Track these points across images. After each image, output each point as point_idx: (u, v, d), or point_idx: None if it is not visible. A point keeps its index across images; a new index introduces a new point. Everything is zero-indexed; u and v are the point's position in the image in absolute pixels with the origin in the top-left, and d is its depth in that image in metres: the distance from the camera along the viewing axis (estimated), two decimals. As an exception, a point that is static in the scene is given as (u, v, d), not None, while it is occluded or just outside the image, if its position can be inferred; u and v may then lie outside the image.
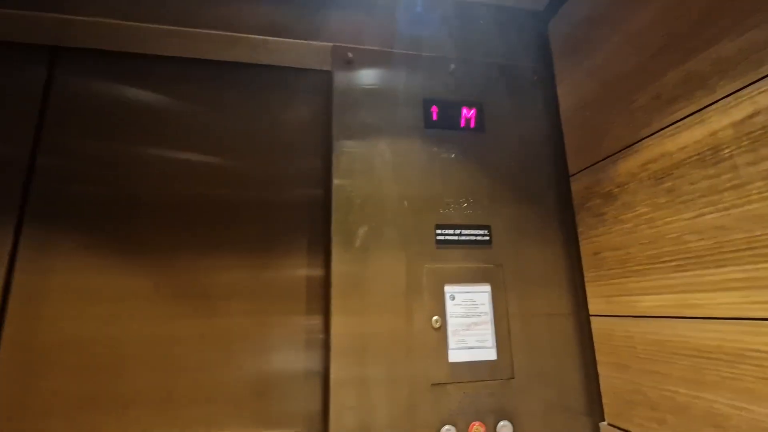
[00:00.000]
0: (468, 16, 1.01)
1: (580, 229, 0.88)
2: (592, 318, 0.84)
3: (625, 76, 0.76)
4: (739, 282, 0.55)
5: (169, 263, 0.80)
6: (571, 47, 0.92)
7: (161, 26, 0.87)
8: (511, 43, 1.03)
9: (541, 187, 0.93)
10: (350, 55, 0.91)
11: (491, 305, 0.84)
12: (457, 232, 0.86)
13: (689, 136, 0.62)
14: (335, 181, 0.84)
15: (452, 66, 0.96)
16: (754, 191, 0.53)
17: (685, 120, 0.63)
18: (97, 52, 0.85)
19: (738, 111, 0.55)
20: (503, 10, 1.04)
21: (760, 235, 0.52)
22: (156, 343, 0.77)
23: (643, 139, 0.71)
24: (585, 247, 0.86)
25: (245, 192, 0.86)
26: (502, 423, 0.78)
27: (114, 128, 0.84)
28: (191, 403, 0.76)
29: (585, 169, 0.86)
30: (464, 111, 0.93)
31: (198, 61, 0.88)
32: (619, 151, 0.76)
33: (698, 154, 0.61)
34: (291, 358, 0.81)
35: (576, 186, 0.89)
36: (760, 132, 0.53)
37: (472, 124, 0.93)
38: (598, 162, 0.82)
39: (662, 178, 0.67)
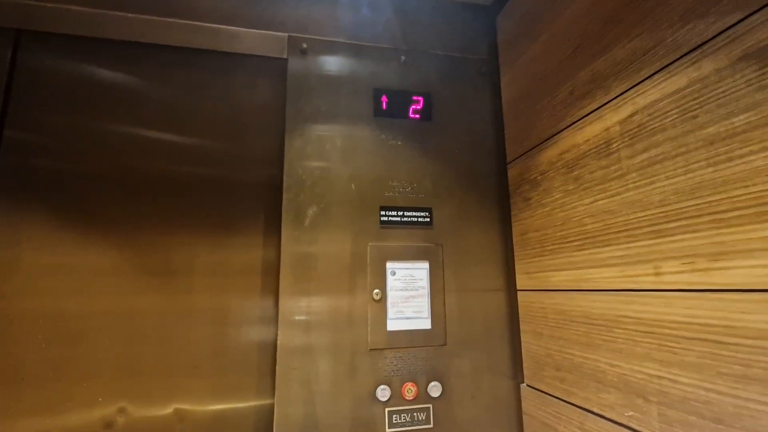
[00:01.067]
0: (421, 10, 1.06)
1: (512, 212, 0.96)
2: (518, 292, 0.93)
3: (550, 71, 0.83)
4: (618, 259, 0.64)
5: (132, 239, 0.87)
6: (512, 42, 0.99)
7: (125, 14, 0.91)
8: (462, 36, 1.08)
9: (482, 173, 1.01)
10: (305, 45, 0.97)
11: (428, 280, 0.92)
12: (400, 213, 0.94)
13: (591, 131, 0.70)
14: (287, 163, 0.91)
15: (403, 57, 1.02)
16: (630, 181, 0.61)
17: (590, 115, 0.71)
18: (62, 35, 0.89)
19: (624, 110, 0.63)
20: (454, 5, 1.09)
21: (633, 219, 0.61)
22: (119, 317, 0.84)
23: (561, 131, 0.79)
24: (515, 228, 0.94)
25: (206, 170, 0.93)
26: (432, 383, 0.87)
27: (79, 106, 0.88)
28: (153, 375, 0.83)
29: (519, 157, 0.94)
30: (413, 100, 1.00)
31: (162, 46, 0.93)
32: (543, 141, 0.84)
33: (596, 146, 0.69)
34: (247, 332, 0.89)
35: (511, 172, 0.97)
36: (636, 129, 0.60)
37: (420, 114, 1.00)
38: (528, 150, 0.90)
39: (572, 167, 0.75)
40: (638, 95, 0.60)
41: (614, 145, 0.65)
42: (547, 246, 0.82)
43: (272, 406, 0.82)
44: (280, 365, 0.82)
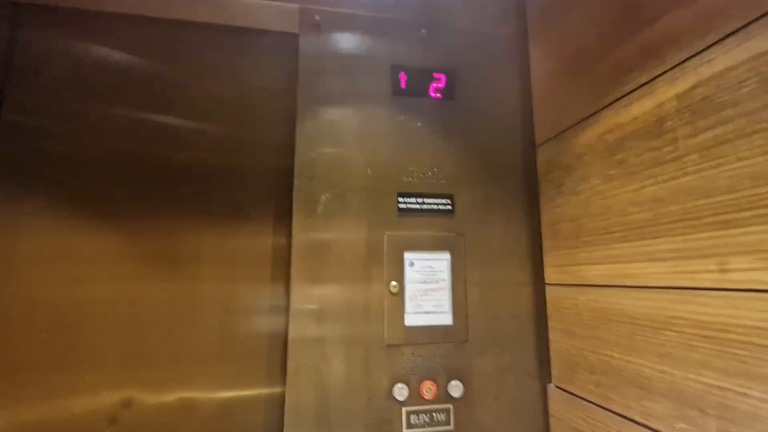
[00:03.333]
0: (443, -21, 0.98)
1: (541, 201, 0.88)
2: (547, 287, 0.86)
3: (589, 44, 0.74)
4: (671, 252, 0.56)
5: (136, 226, 0.82)
6: (544, 14, 0.90)
7: (125, -16, 0.85)
8: (489, 8, 1.00)
9: (508, 157, 0.93)
10: (317, 17, 0.89)
11: (450, 272, 0.86)
12: (420, 200, 0.87)
13: (639, 108, 0.62)
14: (299, 146, 0.84)
15: (423, 31, 0.94)
16: (689, 164, 0.54)
17: (638, 90, 0.63)
18: (60, 9, 0.84)
19: (682, 82, 0.55)
20: (480, -27, 1.00)
21: (691, 207, 0.53)
22: (124, 305, 0.80)
23: (602, 109, 0.71)
24: (545, 218, 0.87)
25: (214, 156, 0.87)
26: (453, 382, 0.82)
27: (81, 87, 0.84)
28: (159, 363, 0.80)
29: (550, 139, 0.86)
30: (434, 78, 0.92)
31: (163, 20, 0.87)
32: (580, 122, 0.76)
33: (645, 125, 0.61)
34: (256, 321, 0.84)
35: (541, 156, 0.89)
36: (699, 104, 0.52)
37: (442, 92, 0.92)
38: (561, 132, 0.82)
39: (614, 150, 0.67)
40: (703, 64, 0.52)
41: (668, 124, 0.57)
42: (583, 237, 0.75)
43: (282, 395, 0.78)
44: (291, 359, 0.78)
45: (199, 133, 0.87)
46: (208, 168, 0.87)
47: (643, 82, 0.62)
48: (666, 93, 0.58)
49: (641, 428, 0.60)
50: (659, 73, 0.59)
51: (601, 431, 0.68)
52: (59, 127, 0.82)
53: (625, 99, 0.65)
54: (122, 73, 0.86)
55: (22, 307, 0.76)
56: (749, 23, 0.47)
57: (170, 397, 0.80)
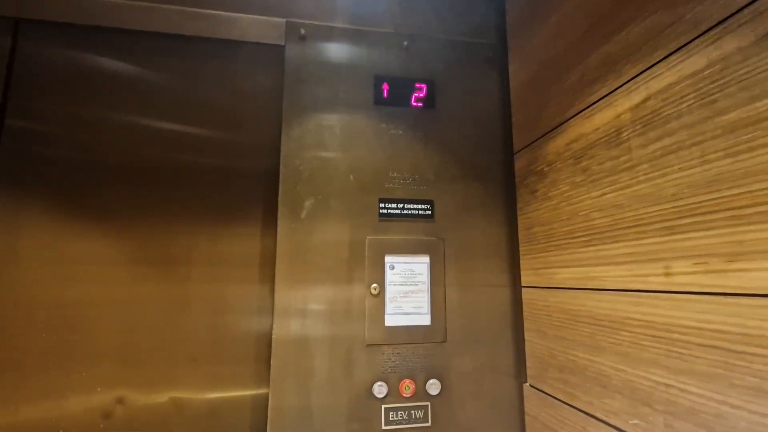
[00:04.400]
0: (425, -8, 1.01)
1: (518, 205, 0.91)
2: (523, 289, 0.89)
3: (560, 55, 0.77)
4: (627, 256, 0.59)
5: (131, 228, 0.86)
6: (521, 25, 0.93)
7: (123, 1, 0.90)
8: (469, 19, 1.03)
9: (488, 163, 0.97)
10: (303, 30, 0.93)
11: (429, 275, 0.89)
12: (401, 206, 0.91)
13: (601, 118, 0.65)
14: (284, 153, 0.88)
15: (405, 43, 0.97)
16: (641, 172, 0.57)
17: (599, 102, 0.66)
18: (59, 24, 0.88)
19: (636, 95, 0.58)
20: (462, -15, 1.04)
21: (643, 214, 0.56)
22: (118, 306, 0.83)
23: (569, 119, 0.74)
24: (521, 222, 0.90)
25: (205, 159, 0.91)
26: (431, 381, 0.85)
27: (78, 95, 0.88)
28: (152, 363, 0.83)
29: (526, 147, 0.89)
30: (415, 88, 0.96)
31: (155, 34, 0.91)
32: (551, 131, 0.79)
33: (606, 135, 0.64)
34: (244, 321, 0.88)
35: (518, 163, 0.92)
36: (649, 116, 0.55)
37: (423, 102, 0.96)
38: (536, 140, 0.85)
39: (580, 157, 0.70)
40: (652, 78, 0.55)
41: (625, 134, 0.60)
42: (553, 241, 0.78)
43: (266, 396, 0.81)
44: (275, 357, 0.81)
45: (191, 138, 0.91)
46: (200, 171, 0.90)
47: (604, 94, 0.65)
48: (623, 105, 0.61)
49: (602, 425, 0.63)
50: (617, 86, 0.62)
51: (569, 429, 0.71)
52: (59, 132, 0.86)
53: (588, 110, 0.68)
54: (117, 81, 0.90)
55: (19, 307, 0.80)
56: (690, 41, 0.50)
57: (161, 396, 0.83)
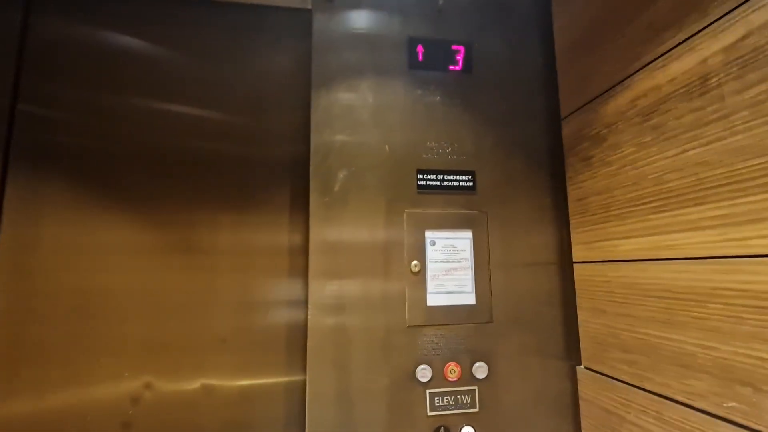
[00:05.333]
0: (460, -53, 0.94)
1: (568, 175, 0.84)
2: (575, 265, 0.82)
3: (617, 6, 0.70)
4: (716, 219, 0.52)
5: (154, 217, 0.81)
6: (568, -22, 0.85)
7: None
8: (507, -24, 0.95)
9: (531, 131, 0.90)
10: (330, -9, 0.86)
11: (472, 251, 0.83)
12: (440, 177, 0.84)
13: (679, 67, 0.58)
14: (314, 123, 0.82)
15: (440, 1, 0.90)
16: (738, 121, 0.49)
17: (676, 49, 0.58)
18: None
19: (729, 34, 0.51)
20: (499, -61, 0.95)
21: (740, 169, 0.49)
22: (143, 294, 0.79)
23: (634, 73, 0.66)
24: (571, 194, 0.83)
25: (230, 146, 0.86)
26: (477, 364, 0.79)
27: (94, 77, 0.83)
28: (178, 351, 0.79)
29: (576, 110, 0.82)
30: (452, 51, 0.89)
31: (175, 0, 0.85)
32: (609, 89, 0.72)
33: (686, 85, 0.57)
34: (274, 307, 0.83)
35: (566, 130, 0.85)
36: (750, 55, 0.48)
37: (460, 65, 0.89)
38: (589, 102, 0.78)
39: (649, 114, 0.63)
40: (753, 11, 0.48)
41: (714, 80, 0.53)
42: (613, 210, 0.71)
43: (303, 382, 0.76)
44: (311, 340, 0.76)
45: (215, 124, 0.86)
46: (225, 158, 0.86)
47: (682, 39, 0.57)
48: (710, 47, 0.53)
49: (683, 408, 0.57)
50: (701, 27, 0.54)
51: (637, 413, 0.65)
52: (75, 119, 0.81)
53: (660, 60, 0.61)
54: (134, 59, 0.84)
55: (44, 296, 0.76)
56: (810, -40, 0.42)
57: (189, 384, 0.79)
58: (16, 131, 0.79)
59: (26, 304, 0.76)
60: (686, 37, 0.56)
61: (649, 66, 0.63)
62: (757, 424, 0.47)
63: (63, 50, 0.83)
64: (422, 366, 0.77)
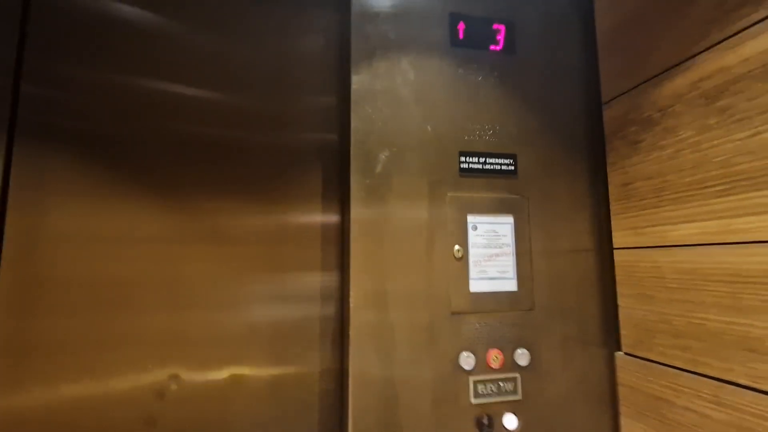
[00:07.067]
0: None
1: (610, 160, 0.83)
2: (615, 251, 0.81)
3: (680, -16, 0.68)
4: (796, 202, 0.51)
5: (173, 204, 0.76)
6: (615, -43, 0.83)
7: None
8: (546, -45, 0.92)
9: (571, 115, 0.88)
10: (370, -41, 0.81)
11: (513, 237, 0.81)
12: (482, 160, 0.82)
13: (754, 46, 0.56)
14: (354, 100, 0.78)
15: (482, -23, 0.86)
16: (828, 101, 0.48)
17: (752, 28, 0.57)
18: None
19: (821, 11, 0.49)
20: None
21: (829, 150, 0.48)
22: (163, 284, 0.74)
23: (697, 54, 0.65)
24: (614, 179, 0.82)
25: (254, 132, 0.82)
26: (519, 351, 0.78)
27: (104, 53, 0.75)
28: (202, 342, 0.75)
29: (622, 94, 0.80)
30: (493, 30, 0.85)
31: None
32: (665, 71, 0.70)
33: (763, 65, 0.55)
34: (307, 297, 0.80)
35: (609, 113, 0.84)
36: None
37: (501, 45, 0.86)
38: (639, 85, 0.76)
39: (715, 96, 0.62)
40: None
41: (797, 60, 0.52)
42: (666, 195, 0.70)
43: (338, 372, 0.73)
44: (353, 326, 0.72)
45: (237, 108, 0.81)
46: (250, 145, 0.81)
47: (759, 18, 0.56)
48: (794, 26, 0.52)
49: (746, 391, 0.57)
50: (784, 5, 0.53)
51: (690, 398, 0.65)
52: (84, 102, 0.74)
53: (732, 39, 0.59)
54: (147, 37, 0.77)
55: (57, 286, 0.70)
56: None
57: (218, 373, 0.75)
58: (21, 113, 0.71)
59: (37, 293, 0.69)
60: (765, 15, 0.55)
61: (718, 46, 0.62)
62: (843, 406, 0.47)
63: (70, 26, 0.75)
64: (466, 353, 0.75)
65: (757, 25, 0.56)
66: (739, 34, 0.58)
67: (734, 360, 0.58)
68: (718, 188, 0.61)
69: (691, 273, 0.65)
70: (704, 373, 0.63)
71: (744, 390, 0.57)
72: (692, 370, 0.65)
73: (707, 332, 0.62)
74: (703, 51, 0.64)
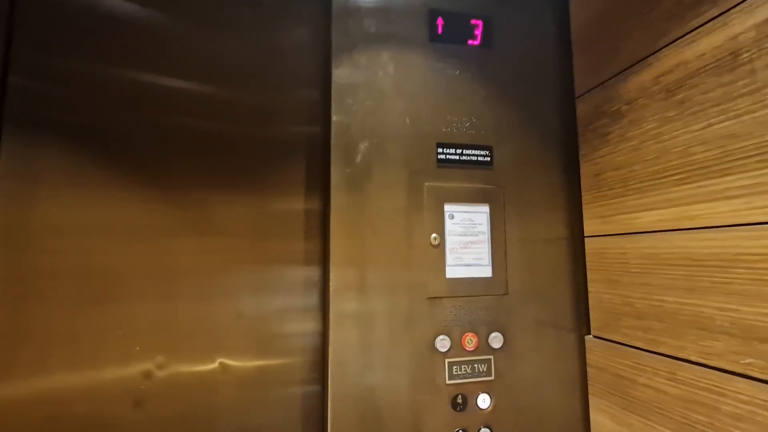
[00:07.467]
0: None
1: (582, 152, 0.86)
2: (586, 239, 0.85)
3: (646, -18, 0.71)
4: (743, 189, 0.55)
5: (160, 196, 0.78)
6: (589, -45, 0.86)
7: None
8: (525, -48, 0.95)
9: (546, 109, 0.91)
10: (351, -45, 0.84)
11: (489, 225, 0.84)
12: (459, 151, 0.85)
13: (709, 42, 0.60)
14: (335, 91, 0.80)
15: (461, -27, 0.89)
16: (770, 94, 0.52)
17: (707, 25, 0.60)
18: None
19: (763, 10, 0.52)
20: None
21: (770, 140, 0.52)
22: (152, 277, 0.76)
23: (660, 50, 0.68)
24: (586, 170, 0.85)
25: (239, 125, 0.83)
26: (493, 334, 0.81)
27: (91, 45, 0.77)
28: (191, 333, 0.77)
29: (594, 88, 0.83)
30: (471, 25, 0.88)
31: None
32: (632, 66, 0.74)
33: (716, 60, 0.59)
34: (289, 283, 0.82)
35: (582, 107, 0.87)
36: (786, 30, 0.50)
37: (479, 39, 0.88)
38: (608, 79, 0.79)
39: (675, 90, 0.65)
40: (792, -13, 0.50)
41: (745, 56, 0.55)
42: (632, 185, 0.74)
43: (320, 361, 0.76)
44: (333, 313, 0.76)
45: (223, 100, 0.83)
46: (235, 135, 0.83)
47: (714, 14, 0.59)
48: (743, 23, 0.55)
49: (698, 367, 0.61)
50: (735, 3, 0.56)
51: (650, 375, 0.69)
52: (73, 94, 0.76)
53: (690, 35, 0.63)
54: (134, 29, 0.79)
55: (47, 278, 0.72)
56: None
57: (205, 363, 0.77)
58: (8, 105, 0.73)
59: (26, 284, 0.71)
60: (720, 12, 0.58)
61: (677, 42, 0.65)
62: (777, 377, 0.51)
63: (57, 18, 0.76)
64: (441, 336, 0.79)
65: (712, 22, 0.59)
66: (696, 30, 0.62)
67: (687, 338, 0.62)
68: (676, 177, 0.65)
69: (652, 258, 0.69)
70: (662, 352, 0.67)
71: (695, 366, 0.61)
72: (652, 349, 0.69)
73: (665, 313, 0.66)
74: (665, 46, 0.67)
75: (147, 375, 0.75)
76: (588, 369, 0.84)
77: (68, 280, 0.73)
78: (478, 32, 0.89)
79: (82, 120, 0.76)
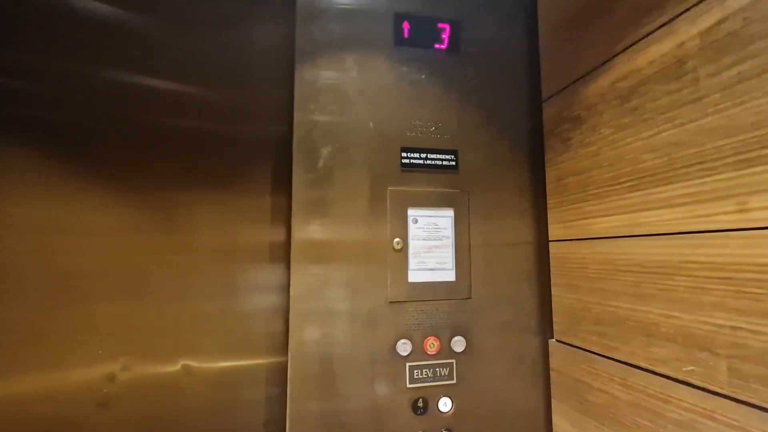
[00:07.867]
0: None
1: (547, 156, 0.87)
2: (551, 243, 0.85)
3: (604, -12, 0.71)
4: (686, 197, 0.55)
5: (128, 195, 0.79)
6: (555, -41, 0.86)
7: None
8: (494, -45, 0.95)
9: (513, 113, 0.91)
10: (316, -41, 0.84)
11: (453, 230, 0.84)
12: (423, 156, 0.85)
13: (657, 50, 0.60)
14: (297, 95, 0.80)
15: (427, -23, 0.89)
16: (710, 104, 0.52)
17: (656, 32, 0.60)
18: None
19: (708, 17, 0.52)
20: None
21: (710, 149, 0.52)
22: (117, 277, 0.77)
23: (615, 56, 0.68)
24: (550, 174, 0.85)
25: (209, 123, 0.84)
26: (456, 338, 0.82)
27: (60, 43, 0.78)
28: (159, 333, 0.78)
29: (558, 93, 0.83)
30: (438, 29, 0.88)
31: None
32: (591, 71, 0.74)
33: (664, 68, 0.59)
34: (255, 289, 0.83)
35: (547, 112, 0.87)
36: (725, 39, 0.50)
37: (446, 44, 0.88)
38: (570, 84, 0.79)
39: (628, 97, 0.65)
40: (730, -3, 0.50)
41: (689, 64, 0.55)
42: (590, 190, 0.74)
43: (285, 363, 0.77)
44: (293, 318, 0.76)
45: (194, 99, 0.84)
46: (204, 134, 0.84)
47: (663, 21, 0.59)
48: (688, 31, 0.55)
49: (646, 374, 0.61)
50: (681, 10, 0.56)
51: (604, 381, 0.69)
52: (48, 92, 0.77)
53: (642, 42, 0.63)
54: (104, 28, 0.80)
55: (15, 276, 0.73)
56: (785, -53, 0.44)
57: (170, 364, 0.78)
58: None
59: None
60: (667, 19, 0.58)
61: (631, 48, 0.65)
62: (711, 385, 0.51)
63: (31, 17, 0.77)
64: (403, 340, 0.79)
65: (661, 29, 0.59)
66: (647, 37, 0.62)
67: (636, 344, 0.63)
68: (628, 184, 0.65)
69: (607, 263, 0.69)
70: (616, 357, 0.67)
71: (643, 372, 0.61)
72: (607, 355, 0.69)
73: (617, 319, 0.67)
74: (621, 52, 0.67)
75: (110, 378, 0.76)
76: (551, 373, 0.84)
77: (31, 281, 0.74)
78: (445, 36, 0.89)
79: (47, 117, 0.77)
